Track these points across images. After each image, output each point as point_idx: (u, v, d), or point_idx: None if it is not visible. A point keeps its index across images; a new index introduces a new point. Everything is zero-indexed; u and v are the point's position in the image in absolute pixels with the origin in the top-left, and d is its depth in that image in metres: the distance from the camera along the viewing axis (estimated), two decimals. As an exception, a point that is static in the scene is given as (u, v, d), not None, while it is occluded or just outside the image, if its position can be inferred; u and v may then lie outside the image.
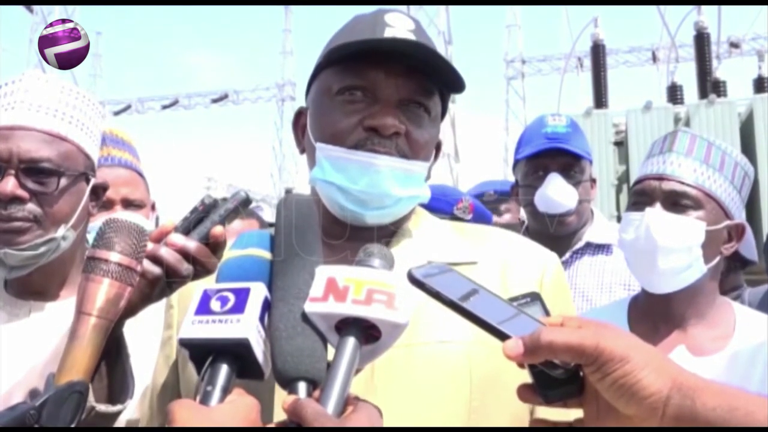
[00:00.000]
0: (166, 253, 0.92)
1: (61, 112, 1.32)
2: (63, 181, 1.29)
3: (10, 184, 1.24)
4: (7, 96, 1.31)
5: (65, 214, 1.32)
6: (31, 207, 1.27)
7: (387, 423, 0.92)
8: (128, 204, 1.95)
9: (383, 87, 1.03)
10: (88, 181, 1.36)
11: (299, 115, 1.16)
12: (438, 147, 1.15)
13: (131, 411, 1.21)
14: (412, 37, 1.05)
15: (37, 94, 1.31)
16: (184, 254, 0.93)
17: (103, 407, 0.92)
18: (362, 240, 0.93)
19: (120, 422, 1.15)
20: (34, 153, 1.27)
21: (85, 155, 1.36)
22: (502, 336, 0.75)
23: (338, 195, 1.03)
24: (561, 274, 1.12)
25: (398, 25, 1.06)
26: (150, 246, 0.92)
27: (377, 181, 1.01)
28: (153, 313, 1.06)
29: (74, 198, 1.33)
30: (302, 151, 1.15)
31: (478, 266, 1.06)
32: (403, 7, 17.09)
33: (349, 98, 1.04)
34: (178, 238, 0.93)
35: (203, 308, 0.83)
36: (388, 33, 1.05)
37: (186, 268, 0.93)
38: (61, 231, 1.31)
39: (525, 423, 0.98)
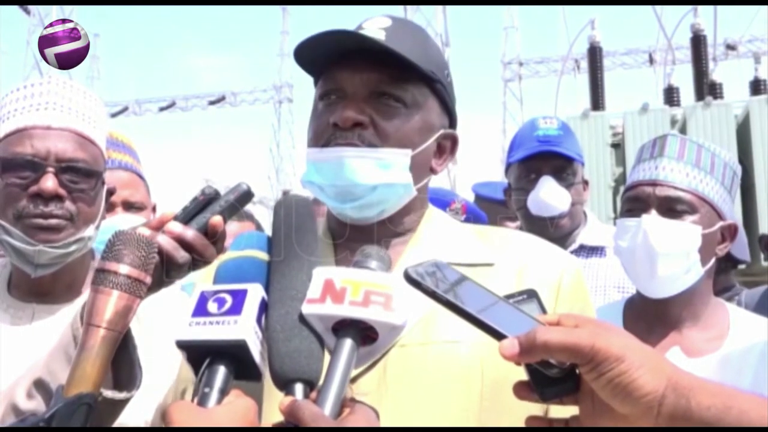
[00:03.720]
0: (163, 240, 0.93)
1: (88, 116, 1.37)
2: (95, 182, 1.34)
3: (51, 182, 1.28)
4: (35, 96, 1.35)
5: (94, 215, 1.36)
6: (68, 205, 1.30)
7: (397, 421, 0.93)
8: (129, 206, 1.94)
9: (349, 84, 1.06)
10: (103, 183, 1.40)
11: None
12: (454, 141, 1.15)
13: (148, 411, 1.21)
14: (382, 35, 1.06)
15: (67, 97, 1.36)
16: (181, 242, 0.93)
17: (109, 393, 0.92)
18: (377, 242, 0.94)
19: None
20: (71, 153, 1.31)
21: (104, 159, 1.41)
22: (499, 335, 0.76)
23: (320, 193, 1.07)
24: (580, 278, 1.12)
25: (371, 26, 1.09)
26: (147, 233, 0.93)
27: (341, 172, 1.03)
28: (152, 309, 1.07)
29: (100, 199, 1.38)
30: None
31: (494, 268, 1.06)
32: (401, 8, 17.10)
33: (326, 102, 1.08)
34: (175, 226, 0.94)
35: (200, 310, 0.83)
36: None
37: (182, 255, 0.93)
38: (90, 231, 1.35)
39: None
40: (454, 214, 2.46)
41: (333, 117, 1.04)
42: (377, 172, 1.04)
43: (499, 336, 0.76)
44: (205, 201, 0.97)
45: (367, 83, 1.06)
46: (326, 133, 1.05)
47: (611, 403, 0.73)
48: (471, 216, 2.57)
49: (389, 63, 1.05)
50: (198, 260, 0.95)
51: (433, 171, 1.13)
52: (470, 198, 3.11)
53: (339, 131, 1.04)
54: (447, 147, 1.14)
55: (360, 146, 1.03)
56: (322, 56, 1.08)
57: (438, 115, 1.12)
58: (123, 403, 0.96)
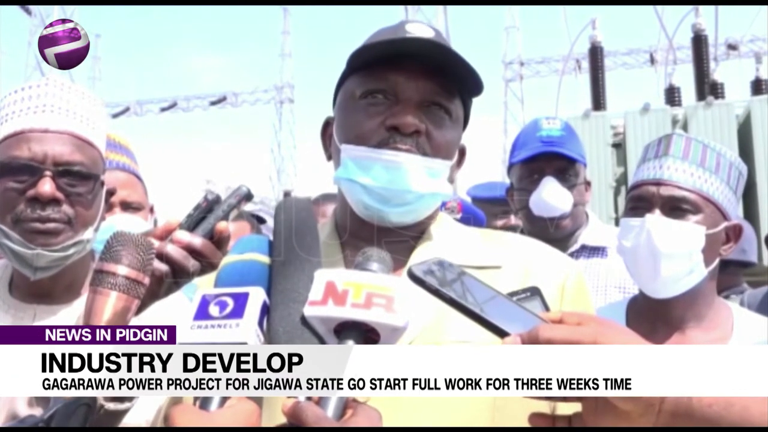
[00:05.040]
0: (172, 250, 0.94)
1: (86, 118, 1.36)
2: (93, 185, 1.34)
3: (48, 186, 1.27)
4: (33, 99, 1.34)
5: (93, 217, 1.35)
6: (66, 209, 1.30)
7: (412, 421, 0.93)
8: (126, 206, 1.96)
9: (404, 88, 1.06)
10: (102, 185, 1.40)
11: (327, 124, 1.18)
12: (463, 152, 1.18)
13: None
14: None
15: (65, 99, 1.36)
16: (190, 250, 0.94)
17: (112, 405, 0.93)
18: (389, 242, 0.94)
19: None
20: (68, 156, 1.31)
21: (102, 161, 1.40)
22: (501, 333, 0.76)
23: (362, 193, 1.06)
24: (582, 281, 1.14)
25: (418, 31, 1.09)
26: (155, 243, 0.93)
27: (398, 177, 1.03)
28: (152, 307, 1.07)
29: (98, 201, 1.37)
30: (329, 158, 1.17)
31: (501, 270, 1.07)
32: (401, 8, 17.11)
33: (371, 101, 1.07)
34: (183, 235, 0.95)
35: (202, 313, 0.83)
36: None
37: (193, 264, 0.94)
38: (88, 233, 1.35)
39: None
40: (450, 212, 2.46)
41: (392, 120, 1.04)
42: (428, 182, 1.05)
43: (501, 333, 0.76)
44: (208, 206, 0.98)
45: (422, 91, 1.06)
46: (378, 134, 1.05)
47: (612, 400, 0.73)
48: (468, 216, 2.58)
49: (442, 73, 1.06)
50: (206, 266, 0.96)
51: (452, 180, 1.15)
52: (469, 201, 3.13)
53: (398, 135, 1.04)
54: (457, 158, 1.16)
55: (417, 154, 1.04)
56: (374, 55, 1.07)
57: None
58: (124, 413, 0.95)
